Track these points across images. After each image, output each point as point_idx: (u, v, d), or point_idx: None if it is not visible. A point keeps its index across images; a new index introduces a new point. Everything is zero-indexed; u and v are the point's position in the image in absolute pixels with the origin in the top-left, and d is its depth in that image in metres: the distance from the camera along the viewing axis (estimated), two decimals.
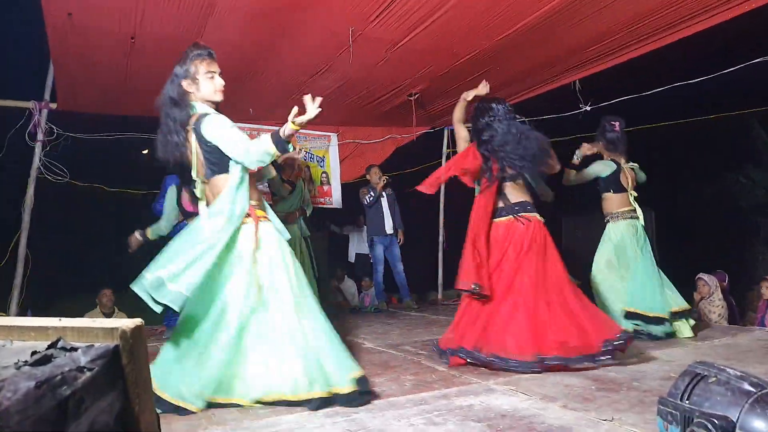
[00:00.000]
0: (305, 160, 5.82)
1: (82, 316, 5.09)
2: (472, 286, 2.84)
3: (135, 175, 5.36)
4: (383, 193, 5.89)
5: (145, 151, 6.72)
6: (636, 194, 3.95)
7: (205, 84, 2.40)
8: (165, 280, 2.12)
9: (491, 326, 2.80)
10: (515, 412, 2.03)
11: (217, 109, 2.46)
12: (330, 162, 6.25)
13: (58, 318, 0.98)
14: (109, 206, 6.82)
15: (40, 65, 4.53)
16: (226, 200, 2.31)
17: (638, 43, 4.04)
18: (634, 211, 3.90)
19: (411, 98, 5.16)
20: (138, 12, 3.23)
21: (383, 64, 4.27)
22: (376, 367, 2.93)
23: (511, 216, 3.03)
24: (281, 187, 5.08)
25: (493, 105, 3.11)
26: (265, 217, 2.47)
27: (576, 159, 3.95)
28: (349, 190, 6.41)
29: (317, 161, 6.10)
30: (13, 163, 4.61)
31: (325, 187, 6.17)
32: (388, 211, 5.93)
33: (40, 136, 4.59)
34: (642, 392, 2.24)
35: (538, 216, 3.06)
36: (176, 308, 2.16)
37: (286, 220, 5.03)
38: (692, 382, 1.13)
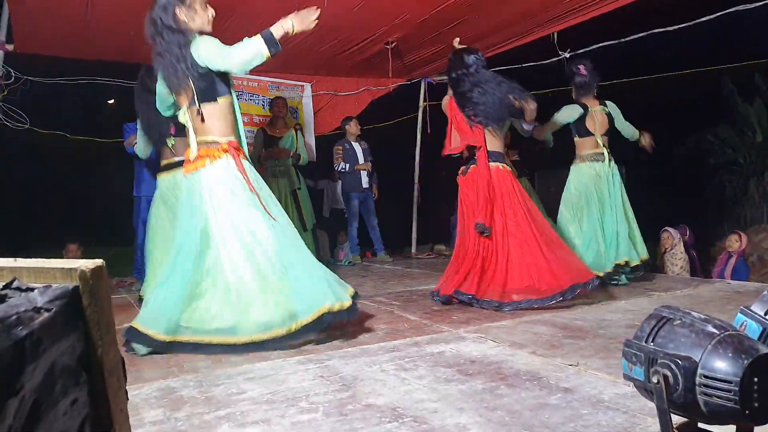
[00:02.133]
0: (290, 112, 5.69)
1: None
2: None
3: (100, 123, 5.16)
4: (359, 146, 5.81)
5: (111, 101, 6.46)
6: (605, 137, 3.90)
7: (201, 13, 2.35)
8: None
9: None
10: (484, 358, 2.08)
11: None
12: (304, 113, 6.11)
13: (13, 258, 0.93)
14: (73, 155, 6.59)
15: None
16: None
17: None
18: (601, 154, 3.84)
19: (388, 47, 5.02)
20: None
21: (360, 9, 4.12)
22: None
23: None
24: (259, 146, 4.99)
25: (464, 56, 3.21)
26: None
27: None
28: (324, 142, 6.30)
29: (290, 112, 5.94)
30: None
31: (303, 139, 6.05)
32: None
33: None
34: (607, 339, 2.31)
35: (504, 166, 3.24)
36: None
37: (273, 174, 5.00)
38: (657, 324, 1.16)
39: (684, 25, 4.17)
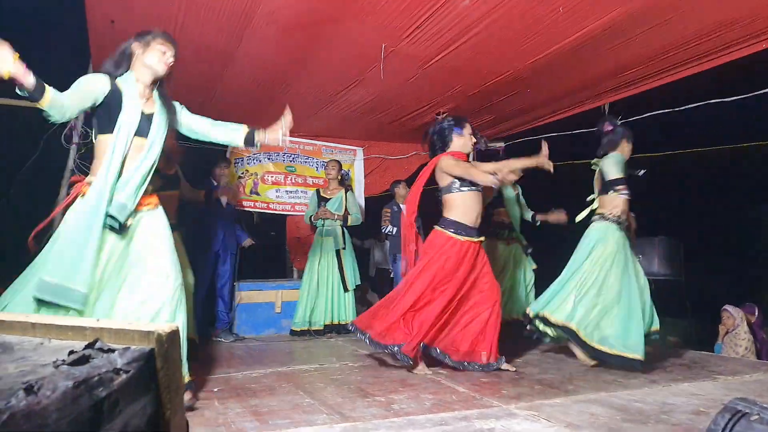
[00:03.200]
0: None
1: None
2: None
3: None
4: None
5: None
6: (593, 198, 3.76)
7: (154, 53, 2.46)
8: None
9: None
10: None
11: (158, 85, 2.54)
12: (354, 176, 6.28)
13: (96, 319, 0.99)
14: None
15: (80, 69, 4.67)
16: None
17: (669, 71, 3.99)
18: (599, 215, 3.65)
19: (439, 117, 5.15)
20: (178, 21, 3.30)
21: (413, 81, 4.29)
22: (395, 384, 2.90)
23: None
24: (313, 206, 5.18)
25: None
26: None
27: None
28: (373, 203, 6.41)
29: (343, 174, 6.12)
30: (47, 165, 4.72)
31: (355, 199, 6.19)
32: None
33: (75, 139, 4.71)
34: (671, 426, 2.16)
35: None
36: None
37: (321, 233, 5.13)
38: (733, 418, 1.09)
39: (742, 97, 4.11)
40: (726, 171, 7.38)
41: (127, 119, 2.37)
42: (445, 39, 3.53)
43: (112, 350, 0.89)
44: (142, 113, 2.43)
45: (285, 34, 3.48)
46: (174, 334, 0.93)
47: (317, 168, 5.95)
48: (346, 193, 5.34)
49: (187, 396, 2.40)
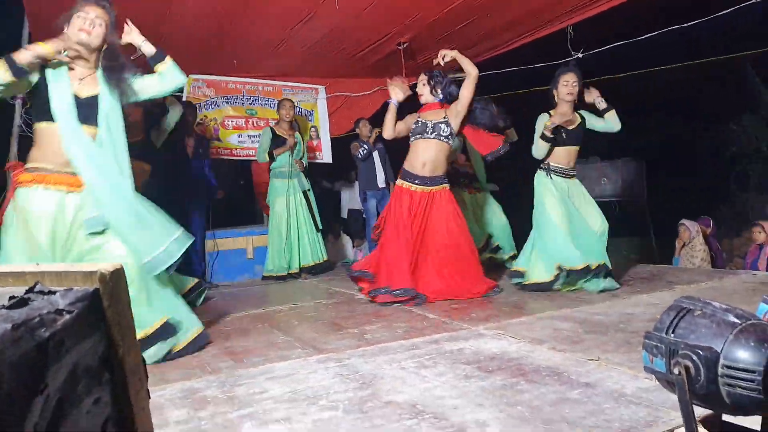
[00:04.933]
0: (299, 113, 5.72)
1: None
2: None
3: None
4: (375, 147, 5.81)
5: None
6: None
7: (75, 22, 2.23)
8: None
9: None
10: (504, 354, 2.07)
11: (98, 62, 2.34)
12: (319, 116, 6.13)
13: (36, 263, 0.95)
14: None
15: (17, 22, 4.35)
16: None
17: None
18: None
19: (400, 47, 5.01)
20: None
21: (370, 11, 4.12)
22: (368, 317, 2.97)
23: None
24: (263, 151, 5.02)
25: None
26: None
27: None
28: (339, 144, 6.31)
29: (305, 115, 5.98)
30: None
31: (315, 142, 6.08)
32: (380, 165, 5.85)
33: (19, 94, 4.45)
34: (628, 333, 2.28)
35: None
36: None
37: (282, 175, 5.04)
38: (678, 315, 1.14)
39: (703, 20, 4.09)
40: (685, 90, 7.49)
41: (60, 105, 2.19)
42: None
43: (53, 292, 0.86)
44: (75, 97, 2.23)
45: None
46: (118, 272, 0.91)
47: (276, 108, 5.78)
48: (302, 135, 5.22)
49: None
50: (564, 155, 3.54)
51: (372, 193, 5.89)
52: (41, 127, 2.24)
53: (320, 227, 5.17)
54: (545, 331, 2.38)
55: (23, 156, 4.54)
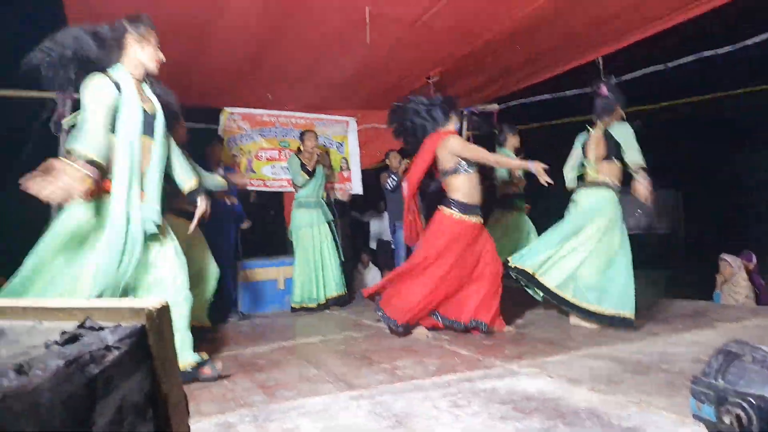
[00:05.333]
0: (324, 146, 5.81)
1: None
2: None
3: None
4: (404, 178, 5.85)
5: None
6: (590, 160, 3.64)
7: (150, 50, 2.39)
8: None
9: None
10: (540, 394, 2.01)
11: (147, 80, 2.48)
12: (349, 147, 6.23)
13: (86, 298, 0.98)
14: None
15: (53, 28, 4.58)
16: None
17: (660, 18, 3.91)
18: (601, 182, 3.56)
19: (430, 81, 5.09)
20: None
21: (401, 46, 4.21)
22: (399, 351, 2.94)
23: None
24: (298, 174, 5.09)
25: None
26: None
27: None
28: (369, 175, 6.38)
29: (336, 146, 6.08)
30: (40, 155, 4.69)
31: (345, 173, 6.16)
32: None
33: (65, 127, 4.66)
34: (671, 374, 2.20)
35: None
36: None
37: (307, 205, 5.11)
38: (727, 360, 1.10)
39: (733, 47, 4.05)
40: (722, 120, 7.33)
41: (133, 120, 2.31)
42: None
43: (103, 328, 0.89)
44: (144, 111, 2.37)
45: (264, 3, 3.40)
46: (164, 310, 0.93)
47: (300, 138, 5.89)
48: (324, 167, 5.28)
49: (218, 365, 2.56)
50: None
51: (401, 224, 5.89)
52: (112, 140, 2.29)
53: (343, 259, 5.18)
54: (583, 370, 2.31)
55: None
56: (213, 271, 3.74)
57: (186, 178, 2.69)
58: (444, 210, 3.48)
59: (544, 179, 3.24)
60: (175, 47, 3.90)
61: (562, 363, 2.47)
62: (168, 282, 2.43)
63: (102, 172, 2.17)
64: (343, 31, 3.89)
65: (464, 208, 3.42)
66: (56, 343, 0.84)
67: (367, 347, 3.12)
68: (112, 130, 2.27)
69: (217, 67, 4.43)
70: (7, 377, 0.70)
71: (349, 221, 7.33)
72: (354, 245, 7.20)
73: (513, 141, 5.01)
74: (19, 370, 0.74)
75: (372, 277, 7.49)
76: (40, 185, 1.91)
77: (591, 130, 3.71)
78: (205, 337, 3.40)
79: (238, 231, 4.97)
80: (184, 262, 2.51)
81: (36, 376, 0.74)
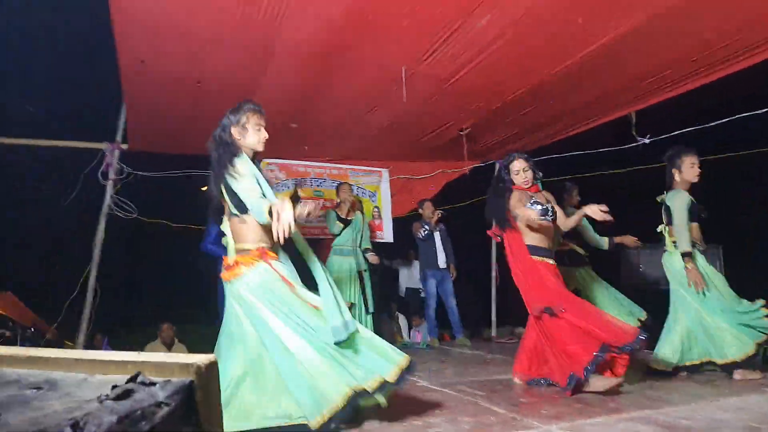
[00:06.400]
0: (358, 195, 5.91)
1: (144, 346, 5.26)
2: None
3: (198, 211, 5.57)
4: (436, 228, 5.87)
5: (204, 188, 6.98)
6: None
7: (252, 134, 2.62)
8: None
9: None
10: None
11: (254, 159, 2.66)
12: (381, 197, 6.31)
13: (137, 352, 1.01)
14: (174, 241, 7.12)
15: (113, 108, 4.87)
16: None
17: (694, 76, 3.92)
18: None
19: (462, 133, 5.17)
20: (204, 57, 3.42)
21: (434, 101, 4.32)
22: (431, 407, 2.86)
23: None
24: (334, 223, 5.19)
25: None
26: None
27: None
28: (400, 224, 6.42)
29: (369, 196, 6.17)
30: (85, 201, 4.91)
31: (377, 222, 6.22)
32: (441, 246, 5.89)
33: (111, 175, 4.88)
34: None
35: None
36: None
37: (342, 253, 5.17)
38: None
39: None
40: (762, 174, 7.17)
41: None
42: (463, 58, 3.57)
43: (154, 383, 0.91)
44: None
45: (306, 63, 3.57)
46: (212, 366, 0.95)
47: (336, 191, 6.01)
48: (363, 215, 5.37)
49: None
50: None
51: (432, 272, 5.88)
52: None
53: (371, 310, 5.15)
54: None
55: (113, 234, 4.87)
56: None
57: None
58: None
59: (602, 216, 3.27)
60: (221, 104, 4.09)
61: (603, 426, 2.36)
62: None
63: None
64: (379, 88, 4.04)
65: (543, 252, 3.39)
66: (108, 397, 0.86)
67: (398, 401, 3.04)
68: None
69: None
70: None
71: (380, 270, 7.33)
72: (383, 294, 7.16)
73: (575, 198, 4.82)
74: (75, 426, 0.76)
75: (399, 324, 7.39)
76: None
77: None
78: None
79: None
80: None
81: None
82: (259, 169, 2.64)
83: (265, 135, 2.65)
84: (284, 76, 3.72)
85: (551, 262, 3.40)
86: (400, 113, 4.62)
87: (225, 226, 2.65)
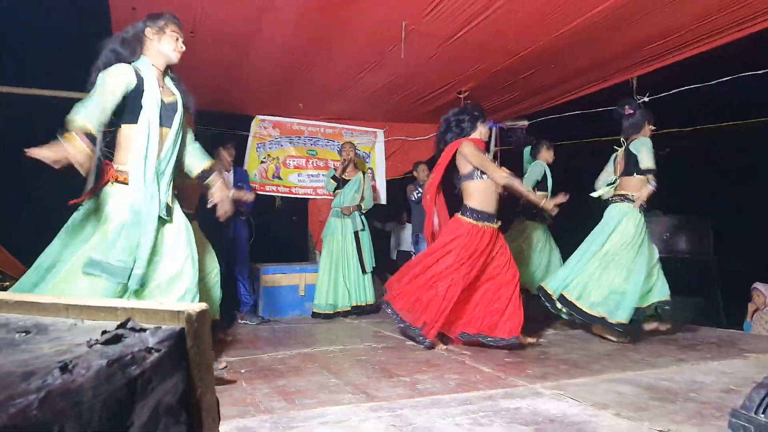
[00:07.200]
0: (359, 155, 5.85)
1: None
2: None
3: None
4: None
5: None
6: (624, 178, 3.78)
7: (168, 39, 2.48)
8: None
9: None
10: (564, 417, 1.97)
11: (167, 72, 2.55)
12: (375, 158, 6.26)
13: (127, 299, 1.00)
14: None
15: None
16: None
17: (698, 42, 3.85)
18: (621, 196, 3.75)
19: (460, 95, 5.09)
20: (198, 6, 3.30)
21: (434, 61, 4.22)
22: (419, 365, 2.92)
23: None
24: (328, 181, 5.17)
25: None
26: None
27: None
28: (393, 186, 6.39)
29: (363, 157, 6.11)
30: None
31: (371, 183, 6.18)
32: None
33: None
34: (700, 404, 2.14)
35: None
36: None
37: (338, 214, 5.15)
38: None
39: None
40: (755, 145, 7.16)
41: (152, 109, 2.38)
42: (466, 15, 3.46)
43: (144, 330, 0.90)
44: (162, 102, 2.44)
45: (303, 16, 3.46)
46: (203, 314, 0.95)
47: (338, 151, 5.95)
48: (364, 176, 5.34)
49: (221, 365, 2.63)
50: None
51: (424, 236, 5.89)
52: (128, 128, 2.38)
53: (366, 269, 5.17)
54: (608, 395, 2.27)
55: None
56: (211, 266, 3.53)
57: (198, 162, 2.70)
58: (458, 216, 3.54)
59: (556, 203, 3.53)
60: (216, 57, 4.00)
61: (587, 386, 2.43)
62: (179, 273, 2.43)
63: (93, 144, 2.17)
64: (378, 46, 3.93)
65: (478, 215, 3.46)
66: (98, 342, 0.85)
67: (387, 358, 3.11)
68: (119, 117, 2.36)
69: (254, 77, 4.52)
70: (52, 375, 0.72)
71: (372, 231, 7.33)
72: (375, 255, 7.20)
73: (546, 155, 5.01)
74: (64, 368, 0.75)
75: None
76: (44, 152, 1.97)
77: (618, 148, 3.89)
78: (216, 336, 3.41)
79: (252, 231, 4.86)
80: (194, 255, 2.52)
81: (80, 375, 0.75)
82: (179, 86, 2.56)
83: (182, 47, 2.51)
84: (281, 28, 3.61)
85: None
86: (399, 73, 4.53)
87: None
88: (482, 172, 3.47)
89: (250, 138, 5.48)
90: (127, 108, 2.37)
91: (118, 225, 2.28)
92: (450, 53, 4.06)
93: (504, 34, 3.73)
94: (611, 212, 3.75)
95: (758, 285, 4.85)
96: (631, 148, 3.72)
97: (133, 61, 2.43)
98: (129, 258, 2.26)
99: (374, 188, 6.14)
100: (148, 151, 2.36)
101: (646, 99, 4.61)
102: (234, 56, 4.03)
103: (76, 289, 2.14)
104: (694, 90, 4.43)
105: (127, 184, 2.34)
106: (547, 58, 4.15)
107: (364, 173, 5.31)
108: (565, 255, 4.36)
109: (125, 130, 2.39)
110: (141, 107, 2.37)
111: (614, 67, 4.44)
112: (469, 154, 3.47)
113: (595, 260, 3.65)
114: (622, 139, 3.88)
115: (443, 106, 5.39)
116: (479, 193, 3.49)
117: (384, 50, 3.99)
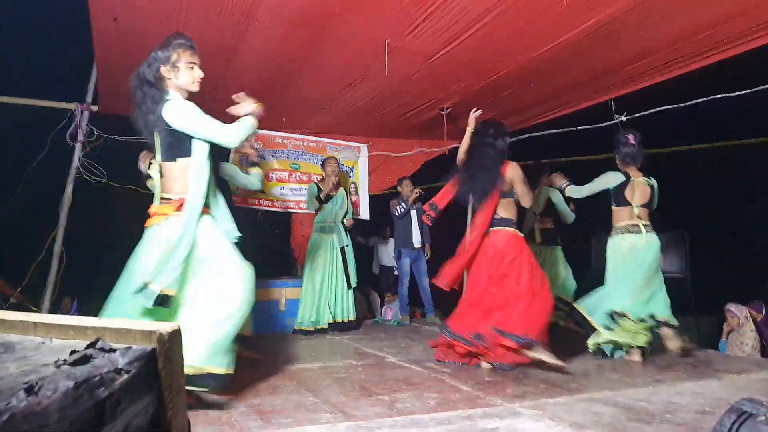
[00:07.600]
0: (343, 170, 5.85)
1: None
2: None
3: None
4: (413, 206, 5.87)
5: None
6: (643, 209, 3.80)
7: (184, 73, 2.47)
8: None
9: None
10: None
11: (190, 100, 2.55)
12: (359, 173, 6.26)
13: (97, 317, 0.98)
14: (145, 207, 6.91)
15: (84, 68, 4.68)
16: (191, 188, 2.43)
17: (676, 64, 3.96)
18: (636, 225, 3.76)
19: (443, 112, 5.14)
20: (180, 17, 3.30)
21: (417, 77, 4.27)
22: (398, 383, 2.90)
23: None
24: (311, 201, 5.15)
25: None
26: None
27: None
28: (377, 201, 6.40)
29: (346, 171, 6.12)
30: (53, 163, 4.74)
31: (353, 198, 6.17)
32: (417, 225, 5.90)
33: (80, 137, 4.72)
34: (675, 425, 2.15)
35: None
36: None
37: (323, 230, 5.14)
38: (739, 419, 1.08)
39: (748, 91, 4.07)
40: (733, 166, 7.33)
41: (202, 143, 2.45)
42: (449, 34, 3.52)
43: (114, 350, 0.88)
44: None
45: (288, 30, 3.47)
46: (175, 334, 0.93)
47: (321, 165, 5.94)
48: (347, 192, 5.35)
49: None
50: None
51: (406, 251, 5.90)
52: (184, 161, 2.44)
53: (353, 285, 5.17)
54: (586, 415, 2.27)
55: (81, 199, 4.73)
56: None
57: None
58: (513, 231, 3.67)
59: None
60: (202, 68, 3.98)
61: (565, 406, 2.43)
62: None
63: None
64: (361, 62, 3.97)
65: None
66: (66, 362, 0.83)
67: (367, 377, 3.08)
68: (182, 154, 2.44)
69: (236, 90, 4.49)
70: (17, 397, 0.70)
71: (354, 246, 7.31)
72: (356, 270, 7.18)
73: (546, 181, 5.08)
74: (29, 390, 0.73)
75: (371, 300, 7.43)
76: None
77: (631, 176, 3.83)
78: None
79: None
80: None
81: (45, 397, 0.73)
82: None
83: (199, 74, 2.51)
84: (265, 41, 3.62)
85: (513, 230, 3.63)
86: (382, 89, 4.56)
87: (153, 170, 2.55)
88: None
89: (231, 152, 5.44)
90: (177, 142, 2.46)
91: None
92: (433, 70, 4.11)
93: (485, 53, 3.79)
94: (651, 242, 3.73)
95: (731, 306, 4.91)
96: (653, 183, 3.85)
97: (166, 98, 2.43)
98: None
99: (357, 203, 6.15)
100: (199, 180, 2.47)
101: (623, 118, 4.70)
102: (215, 67, 4.00)
103: None
104: (671, 111, 4.53)
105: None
106: (527, 77, 4.23)
107: (346, 189, 5.32)
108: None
109: (180, 163, 2.46)
110: (189, 141, 2.47)
111: (593, 88, 4.53)
112: (519, 176, 3.56)
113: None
114: (621, 167, 3.88)
115: (426, 121, 5.44)
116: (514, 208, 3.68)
117: (367, 66, 4.03)
